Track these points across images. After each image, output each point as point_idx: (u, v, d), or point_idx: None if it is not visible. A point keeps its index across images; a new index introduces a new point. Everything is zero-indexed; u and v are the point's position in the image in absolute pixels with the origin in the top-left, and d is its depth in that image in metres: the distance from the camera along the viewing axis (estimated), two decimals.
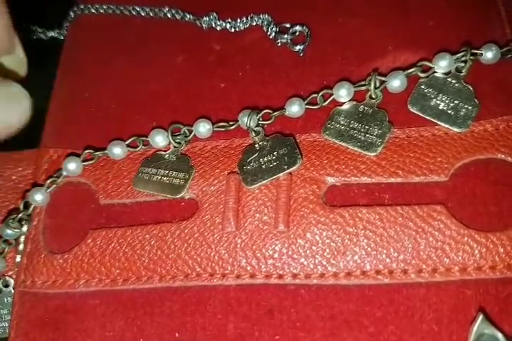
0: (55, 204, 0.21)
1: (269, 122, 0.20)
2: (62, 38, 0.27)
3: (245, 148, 0.20)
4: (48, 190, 0.21)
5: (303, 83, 0.21)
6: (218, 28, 0.23)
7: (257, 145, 0.20)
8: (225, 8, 0.23)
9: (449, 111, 0.19)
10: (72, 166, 0.21)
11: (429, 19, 0.21)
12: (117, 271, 0.19)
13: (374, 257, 0.18)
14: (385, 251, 0.17)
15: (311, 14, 0.22)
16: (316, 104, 0.20)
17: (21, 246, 0.21)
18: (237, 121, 0.20)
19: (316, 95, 0.20)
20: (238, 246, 0.18)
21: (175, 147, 0.20)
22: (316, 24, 0.22)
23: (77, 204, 0.20)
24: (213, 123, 0.20)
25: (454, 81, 0.20)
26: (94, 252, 0.19)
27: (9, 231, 0.20)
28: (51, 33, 0.28)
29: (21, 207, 0.21)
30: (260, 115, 0.20)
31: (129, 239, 0.19)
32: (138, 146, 0.21)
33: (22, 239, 0.21)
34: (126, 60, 0.23)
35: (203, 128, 0.20)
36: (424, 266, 0.17)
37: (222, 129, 0.20)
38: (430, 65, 0.20)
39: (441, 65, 0.20)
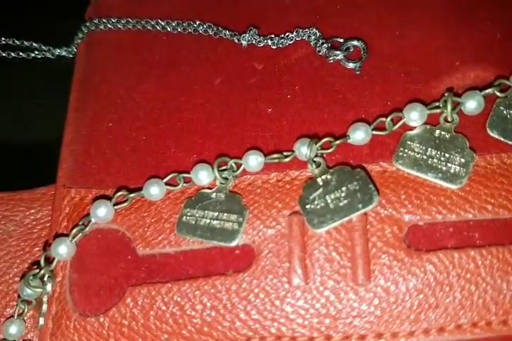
0: (82, 257, 0.18)
1: (330, 151, 0.18)
2: (72, 56, 0.25)
3: (305, 182, 0.18)
4: (74, 241, 0.18)
5: (363, 105, 0.19)
6: (260, 45, 0.21)
7: (319, 180, 0.18)
8: (265, 21, 0.21)
9: None
10: (103, 212, 0.18)
11: (497, 31, 0.19)
12: (165, 337, 0.16)
13: (470, 308, 0.16)
14: (481, 301, 0.16)
15: (363, 27, 0.20)
16: (385, 129, 0.18)
17: (45, 307, 0.18)
18: (293, 151, 0.18)
19: (384, 119, 0.18)
20: (309, 303, 0.16)
21: (222, 184, 0.18)
22: (371, 38, 0.20)
23: (109, 256, 0.18)
24: (265, 155, 0.18)
25: None
26: (136, 314, 0.17)
27: (29, 291, 0.18)
28: (58, 51, 0.26)
29: (42, 261, 0.18)
30: (320, 144, 0.18)
31: (176, 297, 0.17)
32: (178, 184, 0.19)
33: (45, 298, 0.18)
34: (155, 83, 0.21)
35: (255, 161, 0.18)
36: None
37: (276, 161, 0.18)
38: (508, 83, 0.18)
39: None
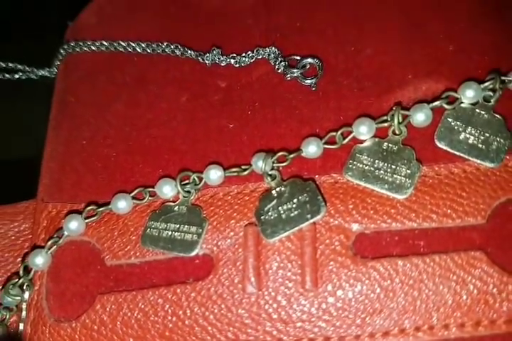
0: (57, 267, 0.20)
1: (284, 164, 0.19)
2: (53, 76, 0.27)
3: (261, 194, 0.19)
4: (49, 252, 0.20)
5: (318, 120, 0.20)
6: (223, 64, 0.22)
7: (274, 192, 0.19)
8: (229, 40, 0.22)
9: (480, 145, 0.18)
10: (74, 225, 0.20)
11: (450, 43, 0.20)
12: (131, 340, 0.18)
13: (413, 313, 0.17)
14: (424, 306, 0.17)
15: (320, 43, 0.21)
16: (335, 143, 0.19)
17: (24, 314, 0.19)
18: (251, 165, 0.19)
19: (334, 133, 0.19)
20: (262, 308, 0.18)
21: (184, 197, 0.20)
22: (327, 54, 0.21)
23: (81, 266, 0.19)
24: (225, 169, 0.20)
25: (482, 112, 0.19)
26: (104, 320, 0.18)
27: (9, 299, 0.19)
28: (41, 72, 0.28)
29: (21, 271, 0.20)
30: (275, 158, 0.19)
31: (141, 304, 0.18)
32: (144, 198, 0.20)
33: (24, 305, 0.19)
34: (125, 102, 0.22)
35: (215, 175, 0.19)
36: (466, 320, 0.16)
37: (235, 174, 0.19)
38: (456, 95, 0.19)
39: (468, 95, 0.19)
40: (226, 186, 0.20)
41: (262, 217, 0.18)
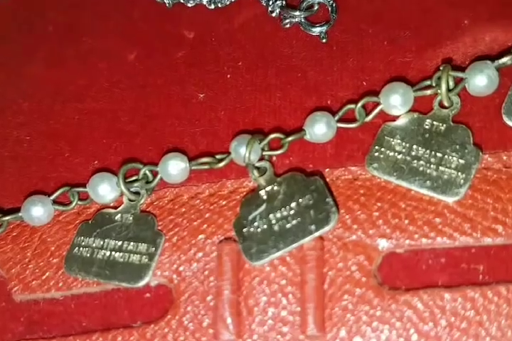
0: None
1: (279, 152, 0.19)
2: None
3: (244, 196, 0.19)
4: None
5: (330, 87, 0.20)
6: (190, 4, 0.22)
7: (263, 193, 0.19)
8: None
9: None
10: None
11: None
12: None
13: None
14: None
15: None
16: (354, 120, 0.19)
17: None
18: (229, 153, 0.20)
19: (352, 106, 0.19)
20: None
21: (130, 201, 0.20)
22: None
23: None
24: (190, 159, 0.20)
25: None
26: None
27: None
28: None
29: None
30: (265, 142, 0.19)
31: None
32: (71, 202, 0.20)
33: None
34: (45, 62, 0.23)
35: (176, 167, 0.20)
36: None
37: (206, 167, 0.20)
38: None
39: None
40: (193, 185, 0.20)
41: (244, 230, 0.19)
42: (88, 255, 0.19)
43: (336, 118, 0.19)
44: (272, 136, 0.20)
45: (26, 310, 0.19)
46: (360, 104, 0.19)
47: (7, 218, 0.20)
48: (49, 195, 0.20)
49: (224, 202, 0.20)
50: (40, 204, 0.20)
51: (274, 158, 0.20)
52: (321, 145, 0.20)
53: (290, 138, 0.19)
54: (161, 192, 0.20)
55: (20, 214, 0.20)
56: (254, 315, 0.18)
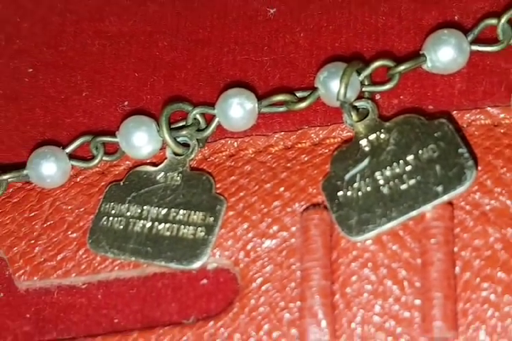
0: None
1: (387, 87, 0.20)
2: None
3: (336, 148, 0.20)
4: None
5: None
6: None
7: (364, 143, 0.20)
8: None
9: None
10: None
11: None
12: None
13: None
14: None
15: None
16: (495, 41, 0.20)
17: None
18: (314, 88, 0.20)
19: (493, 21, 0.19)
20: None
21: (177, 155, 0.21)
22: None
23: None
24: (261, 98, 0.20)
25: None
26: None
27: None
28: None
29: None
30: (367, 73, 0.20)
31: None
32: (94, 157, 0.21)
33: None
34: None
35: (240, 109, 0.20)
36: None
37: (281, 109, 0.20)
38: None
39: None
40: (261, 134, 0.21)
41: (339, 194, 0.19)
42: (121, 227, 0.20)
43: (470, 38, 0.20)
44: (377, 63, 0.20)
45: (34, 303, 0.20)
46: (504, 19, 0.20)
47: (6, 177, 0.21)
48: (63, 147, 0.21)
49: (306, 158, 0.20)
50: (53, 158, 0.21)
51: (378, 97, 0.20)
52: (447, 77, 0.20)
53: (403, 67, 0.20)
54: (216, 145, 0.21)
55: (25, 171, 0.21)
56: (355, 309, 0.18)
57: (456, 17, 0.21)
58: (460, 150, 0.18)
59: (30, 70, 0.22)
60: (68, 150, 0.21)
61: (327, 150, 0.20)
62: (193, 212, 0.20)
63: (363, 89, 0.20)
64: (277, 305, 0.19)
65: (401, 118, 0.20)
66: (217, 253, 0.20)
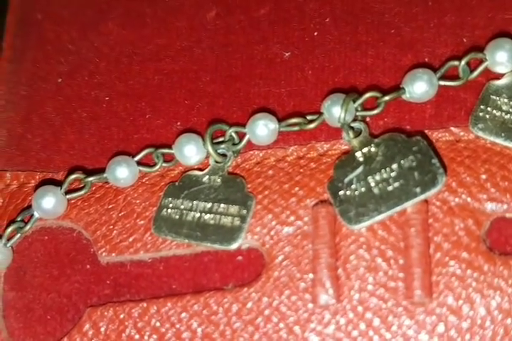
0: (22, 267, 0.20)
1: (375, 112, 0.19)
2: None
3: (337, 158, 0.19)
4: (9, 244, 0.20)
5: (427, 43, 0.20)
6: None
7: (359, 154, 0.19)
8: None
9: None
10: (50, 203, 0.20)
11: None
12: None
13: None
14: None
15: None
16: (457, 77, 0.19)
17: None
18: (321, 113, 0.19)
19: (455, 63, 0.19)
20: (342, 329, 0.18)
21: (217, 162, 0.20)
22: None
23: (60, 266, 0.20)
24: (279, 120, 0.20)
25: None
26: None
27: None
28: None
29: None
30: (360, 102, 0.19)
31: (155, 322, 0.19)
32: (156, 164, 0.20)
33: None
34: (121, 20, 0.22)
35: (265, 128, 0.19)
36: None
37: (296, 129, 0.20)
38: None
39: None
40: (280, 147, 0.20)
41: (341, 193, 0.18)
42: (177, 217, 0.19)
43: (438, 75, 0.19)
44: (368, 94, 0.19)
45: (113, 273, 0.19)
46: (464, 61, 0.19)
47: (91, 179, 0.20)
48: (133, 156, 0.20)
49: (314, 165, 0.19)
50: (125, 165, 0.20)
51: (368, 119, 0.19)
52: (420, 105, 0.19)
53: (387, 97, 0.19)
54: (246, 155, 0.20)
55: (105, 174, 0.20)
56: (353, 280, 0.18)
57: (426, 59, 0.20)
58: (433, 161, 0.18)
59: (107, 98, 0.21)
60: (136, 158, 0.20)
61: (330, 160, 0.19)
62: (230, 205, 0.19)
63: (357, 113, 0.19)
64: (295, 276, 0.18)
65: (387, 136, 0.19)
66: (249, 237, 0.19)
